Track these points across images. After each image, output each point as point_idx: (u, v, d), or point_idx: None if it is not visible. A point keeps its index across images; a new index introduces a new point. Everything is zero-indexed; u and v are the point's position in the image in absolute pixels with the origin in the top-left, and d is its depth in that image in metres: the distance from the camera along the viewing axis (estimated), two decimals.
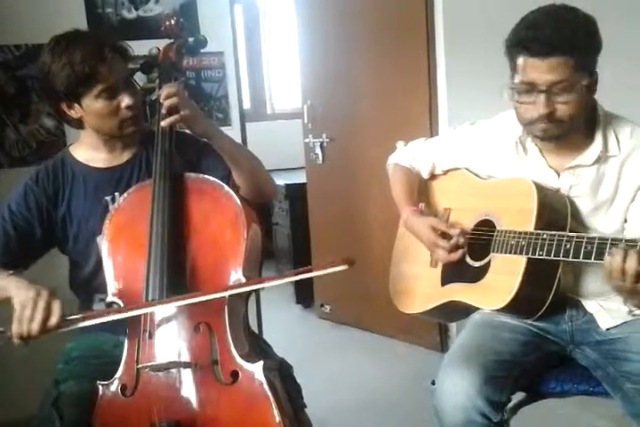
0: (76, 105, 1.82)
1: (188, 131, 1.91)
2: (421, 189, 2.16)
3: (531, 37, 1.68)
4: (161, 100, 1.82)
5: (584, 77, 1.70)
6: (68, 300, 1.75)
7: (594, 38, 1.71)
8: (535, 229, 1.75)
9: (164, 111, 1.82)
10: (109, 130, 1.86)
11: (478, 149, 2.00)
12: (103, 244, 1.81)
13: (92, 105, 1.81)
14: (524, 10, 1.76)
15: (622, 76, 3.09)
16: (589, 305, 1.87)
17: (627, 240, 1.57)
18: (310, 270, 1.64)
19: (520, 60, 1.72)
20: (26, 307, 1.58)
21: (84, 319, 1.63)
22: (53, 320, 1.58)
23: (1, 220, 1.88)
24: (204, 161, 1.95)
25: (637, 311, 1.72)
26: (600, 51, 1.73)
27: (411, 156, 2.16)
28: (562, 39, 1.65)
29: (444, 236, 1.94)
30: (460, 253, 1.92)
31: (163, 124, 1.82)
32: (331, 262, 1.58)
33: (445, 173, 2.11)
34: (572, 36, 1.66)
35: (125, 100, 1.81)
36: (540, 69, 1.68)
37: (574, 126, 1.77)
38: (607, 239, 1.59)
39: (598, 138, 1.80)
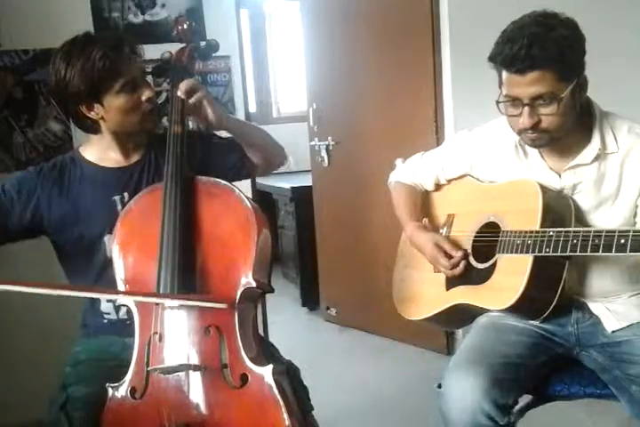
0: (97, 105, 1.83)
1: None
2: (424, 200, 2.17)
3: (508, 54, 1.68)
4: (182, 91, 1.86)
5: (568, 84, 1.70)
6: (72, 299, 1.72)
7: (573, 45, 1.69)
8: (541, 228, 1.74)
9: (183, 96, 1.86)
10: (131, 126, 1.88)
11: (479, 154, 2.00)
12: (114, 245, 1.81)
13: (113, 101, 1.82)
14: None
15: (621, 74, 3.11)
16: (595, 307, 1.87)
17: (634, 231, 1.55)
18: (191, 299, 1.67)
19: (503, 75, 1.73)
20: None
21: None
22: None
23: None
24: (214, 150, 2.00)
25: None
26: (584, 53, 1.72)
27: (410, 172, 2.17)
28: (537, 55, 1.64)
29: (447, 254, 1.95)
30: (461, 267, 1.92)
31: (191, 100, 1.86)
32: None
33: (448, 182, 2.12)
34: (546, 50, 1.65)
35: (146, 93, 1.85)
36: (520, 84, 1.69)
37: (564, 132, 1.77)
38: (614, 231, 1.58)
39: (596, 136, 1.80)
